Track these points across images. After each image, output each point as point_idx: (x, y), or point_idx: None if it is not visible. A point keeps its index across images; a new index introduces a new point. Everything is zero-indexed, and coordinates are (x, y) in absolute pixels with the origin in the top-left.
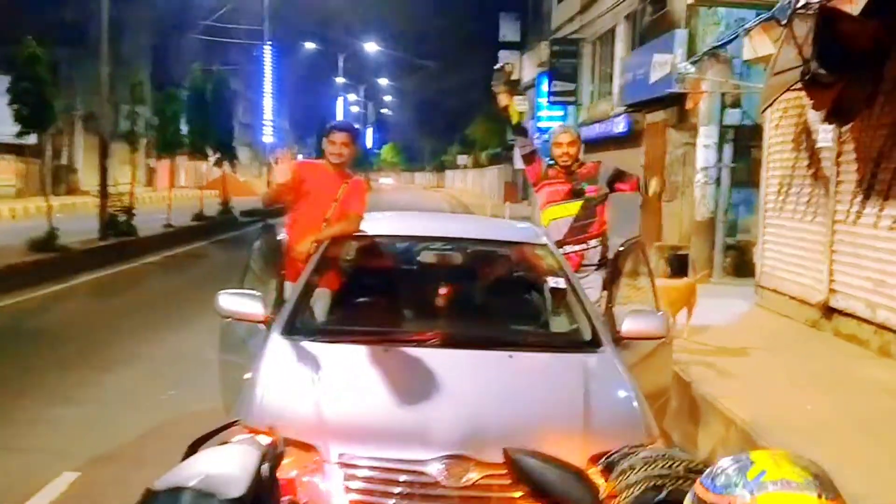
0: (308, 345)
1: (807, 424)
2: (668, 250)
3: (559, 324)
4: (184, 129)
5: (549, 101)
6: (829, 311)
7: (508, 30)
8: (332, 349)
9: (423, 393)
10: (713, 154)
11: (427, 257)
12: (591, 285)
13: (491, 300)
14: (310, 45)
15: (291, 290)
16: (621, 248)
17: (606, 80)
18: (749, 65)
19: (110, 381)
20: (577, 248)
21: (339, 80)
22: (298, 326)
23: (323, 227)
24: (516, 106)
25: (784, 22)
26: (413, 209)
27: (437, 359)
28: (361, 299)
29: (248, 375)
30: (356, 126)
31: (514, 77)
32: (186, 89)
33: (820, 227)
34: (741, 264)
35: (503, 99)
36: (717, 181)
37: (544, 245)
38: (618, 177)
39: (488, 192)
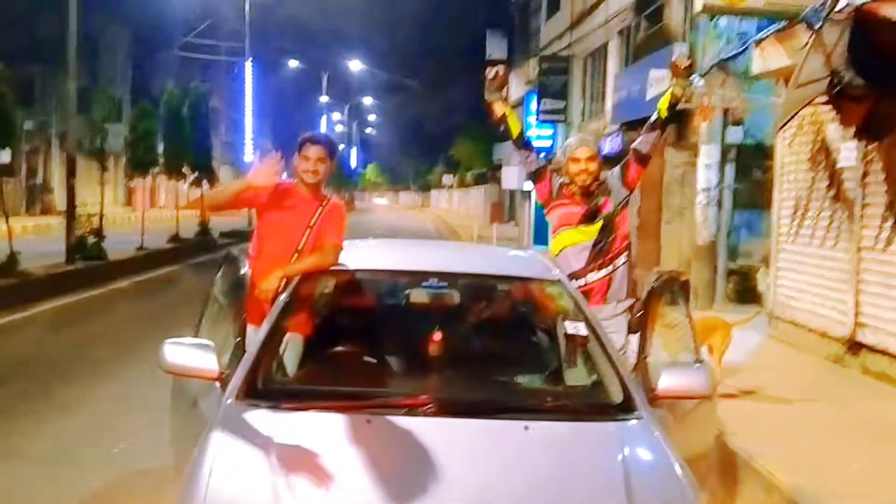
0: (270, 415)
1: (861, 489)
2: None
3: (577, 378)
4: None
5: (538, 120)
6: (855, 347)
7: (495, 48)
8: (302, 420)
9: (420, 485)
10: (714, 174)
11: (419, 296)
12: (615, 329)
13: (496, 350)
14: (293, 63)
15: (254, 336)
16: (655, 285)
17: (598, 97)
18: (752, 80)
19: (53, 432)
20: (602, 273)
21: (323, 98)
22: (259, 388)
23: (293, 260)
24: (515, 116)
25: (818, 26)
26: (396, 231)
27: (436, 433)
28: (339, 348)
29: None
30: (332, 138)
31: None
32: (162, 106)
33: (843, 254)
34: (744, 291)
35: (499, 108)
36: (719, 203)
37: (557, 281)
38: (626, 166)
39: (474, 213)
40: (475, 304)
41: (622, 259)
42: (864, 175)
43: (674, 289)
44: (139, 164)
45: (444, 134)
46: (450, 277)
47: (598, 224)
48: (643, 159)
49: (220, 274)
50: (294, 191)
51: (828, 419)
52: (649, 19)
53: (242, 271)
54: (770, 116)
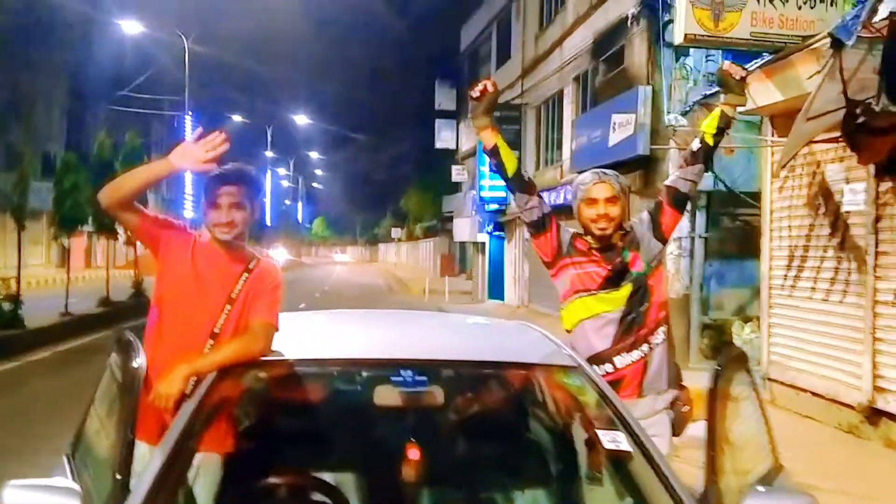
0: None
1: None
2: None
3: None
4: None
5: (490, 171)
6: (874, 415)
7: (444, 98)
8: None
9: None
10: (685, 223)
11: (387, 396)
12: (655, 431)
13: (493, 472)
14: (236, 118)
15: (145, 462)
16: (719, 368)
17: (553, 146)
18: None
19: None
20: (634, 355)
21: (268, 153)
22: None
23: (206, 348)
24: (509, 149)
25: (850, 42)
26: (345, 286)
27: None
28: (272, 479)
29: None
30: (251, 172)
31: (451, 146)
32: (92, 159)
33: (853, 310)
34: (719, 346)
35: (488, 137)
36: (691, 253)
37: (575, 367)
38: (658, 210)
39: (424, 266)
40: (464, 405)
41: (659, 336)
42: (877, 220)
43: (743, 370)
44: (66, 221)
45: (393, 186)
46: (430, 367)
47: (627, 288)
48: (681, 201)
49: (113, 360)
50: (210, 249)
51: None
52: (608, 63)
53: (135, 363)
54: (748, 159)
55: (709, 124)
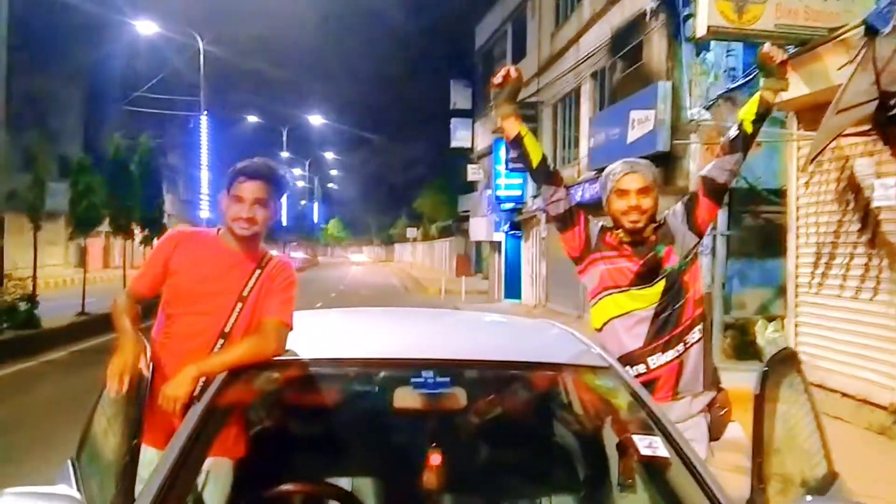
0: None
1: None
2: None
3: None
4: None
5: (507, 169)
6: None
7: (459, 97)
8: None
9: None
10: None
11: (406, 399)
12: (692, 436)
13: (520, 478)
14: (252, 118)
15: (152, 467)
16: (767, 369)
17: (571, 144)
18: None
19: None
20: (669, 355)
21: (284, 153)
22: None
23: (216, 348)
24: (533, 137)
25: (886, 30)
26: (358, 285)
27: None
28: (285, 488)
29: None
30: (279, 171)
31: (467, 145)
32: (107, 160)
33: (885, 308)
34: (742, 345)
35: (511, 126)
36: (713, 251)
37: (606, 368)
38: (693, 202)
39: (439, 266)
40: (488, 408)
41: (695, 334)
42: None
43: (794, 372)
44: (81, 222)
45: (408, 187)
46: (453, 368)
47: (660, 285)
48: (717, 192)
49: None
50: (219, 245)
51: None
52: (625, 59)
53: (140, 364)
54: (770, 155)
55: (748, 110)
